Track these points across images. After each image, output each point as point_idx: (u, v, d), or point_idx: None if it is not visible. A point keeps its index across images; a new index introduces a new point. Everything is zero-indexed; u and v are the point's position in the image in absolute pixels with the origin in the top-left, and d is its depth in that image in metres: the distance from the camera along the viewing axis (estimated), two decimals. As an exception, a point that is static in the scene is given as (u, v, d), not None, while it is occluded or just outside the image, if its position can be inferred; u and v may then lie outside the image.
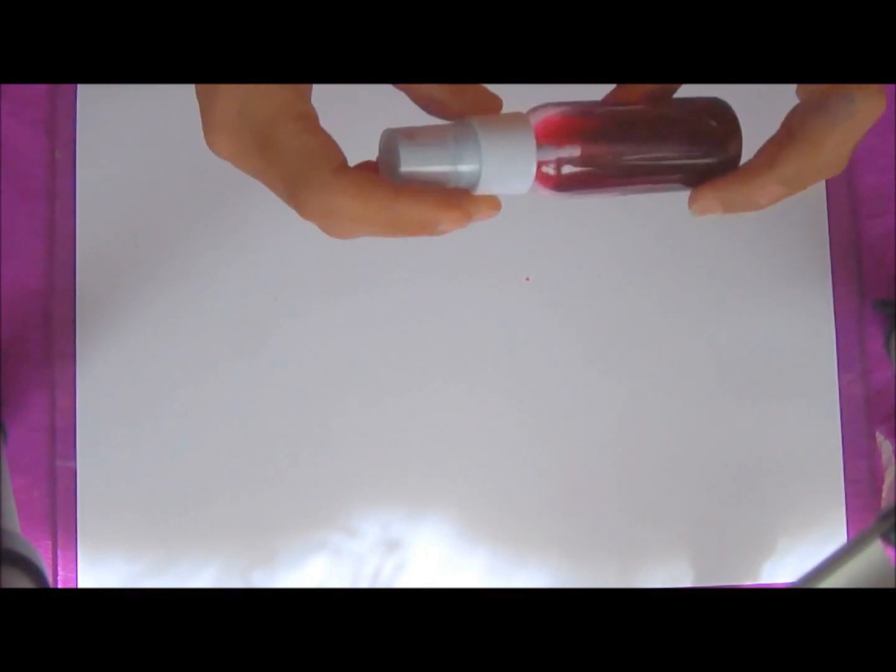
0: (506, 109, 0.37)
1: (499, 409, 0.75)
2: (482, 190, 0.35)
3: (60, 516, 0.73)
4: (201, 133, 0.35)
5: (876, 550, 0.52)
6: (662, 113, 0.38)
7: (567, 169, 0.36)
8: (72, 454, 0.74)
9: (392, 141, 0.34)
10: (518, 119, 0.35)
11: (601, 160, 0.37)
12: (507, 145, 0.34)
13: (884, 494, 0.74)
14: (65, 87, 0.75)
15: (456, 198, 0.34)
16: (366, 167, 0.36)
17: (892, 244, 0.77)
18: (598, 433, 0.76)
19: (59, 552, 0.73)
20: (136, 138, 0.75)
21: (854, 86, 0.35)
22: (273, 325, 0.75)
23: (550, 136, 0.36)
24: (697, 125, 0.38)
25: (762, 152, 0.38)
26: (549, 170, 0.36)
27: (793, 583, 0.54)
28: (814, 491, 0.76)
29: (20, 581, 0.50)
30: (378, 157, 0.36)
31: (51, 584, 0.56)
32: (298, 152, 0.34)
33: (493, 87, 0.36)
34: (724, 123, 0.39)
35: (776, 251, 0.77)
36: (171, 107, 0.72)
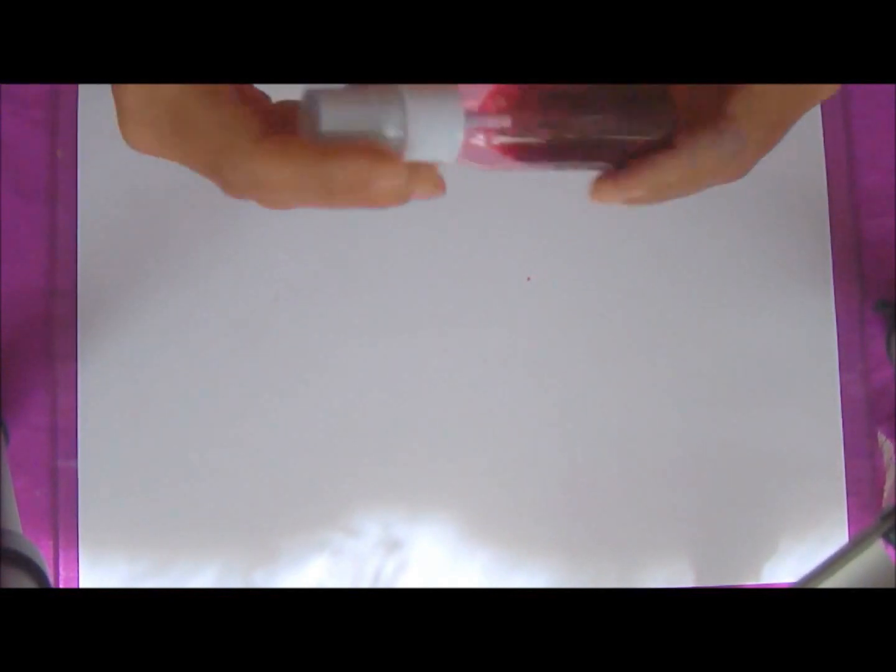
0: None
1: (499, 410, 0.75)
2: (409, 157, 0.34)
3: (62, 516, 0.73)
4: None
5: (877, 550, 0.52)
6: (594, 87, 0.37)
7: (496, 140, 0.35)
8: (73, 454, 0.74)
9: (312, 101, 0.33)
10: (446, 88, 0.34)
11: (531, 131, 0.36)
12: (434, 110, 0.33)
13: (885, 494, 0.74)
14: (66, 88, 0.75)
15: (388, 154, 0.32)
16: (287, 132, 0.34)
17: (893, 245, 0.76)
18: (598, 433, 0.75)
19: (60, 552, 0.73)
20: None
21: (746, 122, 0.36)
22: (274, 326, 0.75)
23: (481, 105, 0.35)
24: (630, 101, 0.37)
25: (642, 157, 0.37)
26: (478, 141, 0.35)
27: (794, 583, 0.54)
28: (815, 491, 0.76)
29: (22, 581, 0.50)
30: (299, 121, 0.34)
31: (52, 584, 0.56)
32: (214, 125, 0.33)
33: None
34: (659, 102, 0.37)
35: (777, 252, 0.77)
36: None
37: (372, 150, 0.32)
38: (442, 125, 0.33)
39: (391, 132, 0.33)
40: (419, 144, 0.33)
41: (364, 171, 0.32)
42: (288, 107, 0.36)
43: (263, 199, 0.34)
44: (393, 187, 0.32)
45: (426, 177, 0.34)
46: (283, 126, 0.34)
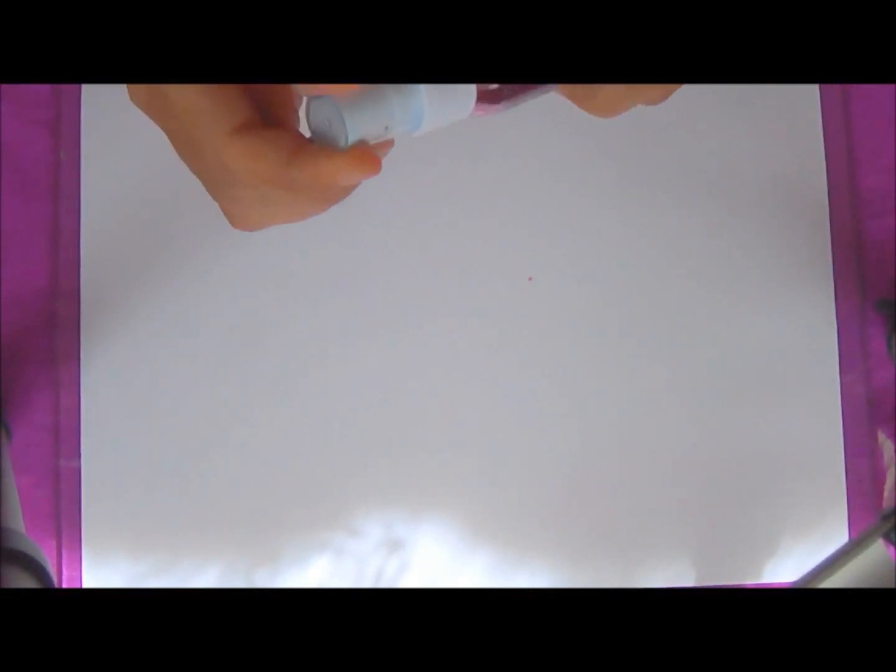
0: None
1: (501, 410, 0.75)
2: (428, 117, 0.34)
3: (65, 516, 0.73)
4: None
5: (877, 550, 0.52)
6: None
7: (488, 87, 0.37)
8: (76, 454, 0.74)
9: (332, 109, 0.33)
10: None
11: None
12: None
13: (885, 494, 0.74)
14: (69, 88, 0.75)
15: (356, 149, 0.32)
16: (276, 115, 0.33)
17: (893, 245, 0.77)
18: (599, 433, 0.76)
19: (63, 552, 0.73)
20: (140, 139, 0.75)
21: None
22: (276, 326, 0.75)
23: None
24: None
25: None
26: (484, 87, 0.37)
27: (794, 582, 0.54)
28: (815, 491, 0.76)
29: (25, 580, 0.50)
30: (310, 122, 0.34)
31: (55, 584, 0.56)
32: (189, 112, 0.32)
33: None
34: None
35: (778, 252, 0.77)
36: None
37: (336, 149, 0.32)
38: (456, 95, 0.35)
39: (405, 117, 0.33)
40: (435, 112, 0.34)
41: (329, 164, 0.31)
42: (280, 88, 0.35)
43: (232, 201, 0.33)
44: (359, 174, 0.32)
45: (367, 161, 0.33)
46: (275, 108, 0.34)
